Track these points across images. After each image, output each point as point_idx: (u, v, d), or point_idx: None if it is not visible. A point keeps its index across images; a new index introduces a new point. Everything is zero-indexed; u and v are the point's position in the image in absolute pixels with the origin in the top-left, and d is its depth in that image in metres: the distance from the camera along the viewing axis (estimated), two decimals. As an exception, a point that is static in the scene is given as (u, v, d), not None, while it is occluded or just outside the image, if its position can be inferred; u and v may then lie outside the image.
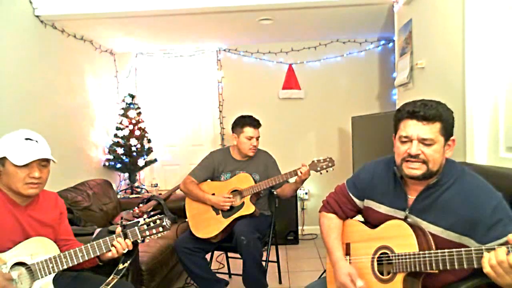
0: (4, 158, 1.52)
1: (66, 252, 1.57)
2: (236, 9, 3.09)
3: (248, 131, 2.69)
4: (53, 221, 1.70)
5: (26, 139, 1.56)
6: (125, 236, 1.64)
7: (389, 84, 4.13)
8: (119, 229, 1.66)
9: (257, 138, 2.73)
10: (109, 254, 1.64)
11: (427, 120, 1.31)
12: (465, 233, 1.28)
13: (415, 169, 1.33)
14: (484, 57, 1.88)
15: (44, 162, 1.59)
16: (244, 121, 2.72)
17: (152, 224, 1.67)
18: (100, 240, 1.62)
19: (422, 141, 1.31)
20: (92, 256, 1.61)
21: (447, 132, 1.34)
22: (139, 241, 1.69)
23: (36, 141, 1.59)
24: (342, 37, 4.28)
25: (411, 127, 1.33)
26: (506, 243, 1.10)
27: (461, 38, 2.00)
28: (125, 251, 1.65)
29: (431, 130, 1.30)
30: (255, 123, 2.72)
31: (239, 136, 2.71)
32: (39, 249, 1.55)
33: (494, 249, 1.10)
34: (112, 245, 1.63)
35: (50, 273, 1.54)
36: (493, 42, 1.85)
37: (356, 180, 1.63)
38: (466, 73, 1.95)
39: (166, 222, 1.69)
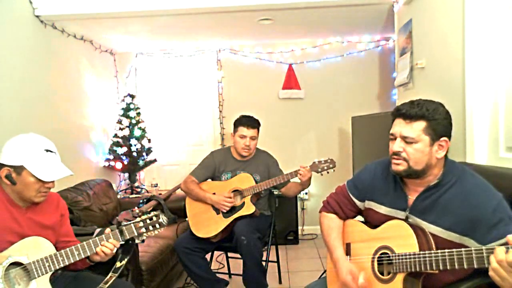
0: (22, 167, 1.51)
1: (62, 251, 1.57)
2: (236, 9, 3.09)
3: (241, 130, 2.69)
4: (54, 223, 1.70)
5: (46, 150, 1.57)
6: (121, 233, 1.63)
7: (389, 84, 4.14)
8: (108, 230, 1.64)
9: (252, 138, 2.70)
10: (97, 258, 1.62)
11: (409, 119, 1.34)
12: (466, 233, 1.28)
13: (398, 165, 1.37)
14: (484, 57, 1.88)
15: None
16: (240, 121, 2.74)
17: (148, 221, 1.66)
18: (96, 238, 1.61)
19: (403, 138, 1.35)
20: (89, 253, 1.60)
21: (436, 132, 1.33)
22: (138, 240, 1.68)
23: (54, 153, 1.60)
24: (342, 37, 4.28)
25: (396, 125, 1.39)
26: (505, 244, 1.10)
27: (461, 38, 2.00)
28: (114, 251, 1.63)
29: (412, 128, 1.34)
30: (249, 123, 2.71)
31: (235, 135, 2.73)
32: (35, 249, 1.54)
33: (494, 249, 1.09)
34: (102, 245, 1.60)
35: (46, 272, 1.53)
36: (493, 42, 1.85)
37: (357, 181, 1.63)
38: (466, 73, 1.95)
39: (163, 219, 1.67)
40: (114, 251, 1.62)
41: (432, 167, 1.36)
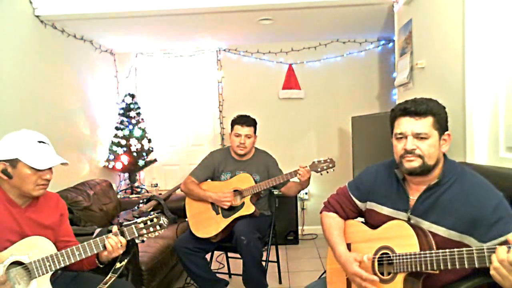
0: (16, 160, 1.52)
1: (63, 251, 1.57)
2: (236, 9, 3.09)
3: (236, 128, 2.71)
4: (53, 223, 1.69)
5: (39, 141, 1.58)
6: (122, 234, 1.63)
7: (389, 84, 4.13)
8: (115, 228, 1.66)
9: (248, 136, 2.70)
10: (105, 253, 1.63)
11: (419, 115, 1.35)
12: (466, 232, 1.29)
13: (413, 161, 1.36)
14: (484, 57, 1.88)
15: None
16: (234, 120, 2.76)
17: (149, 222, 1.66)
18: (97, 238, 1.61)
19: (416, 136, 1.35)
20: (89, 254, 1.60)
21: (441, 127, 1.37)
22: (138, 240, 1.68)
23: (48, 144, 1.61)
24: (342, 37, 4.28)
25: (405, 124, 1.38)
26: (506, 242, 1.11)
27: (461, 38, 2.00)
28: (120, 250, 1.63)
29: (424, 124, 1.35)
30: (243, 121, 2.72)
31: (231, 135, 2.75)
32: (36, 248, 1.54)
33: (495, 248, 1.10)
34: (108, 243, 1.61)
35: (47, 272, 1.53)
36: (493, 42, 1.85)
37: (358, 182, 1.64)
38: (466, 73, 1.95)
39: (163, 220, 1.68)
40: (119, 245, 1.61)
41: (439, 162, 1.38)
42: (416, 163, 1.35)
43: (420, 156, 1.34)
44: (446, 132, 1.39)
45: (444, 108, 1.40)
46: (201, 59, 4.47)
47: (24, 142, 1.55)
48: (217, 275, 2.72)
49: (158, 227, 1.67)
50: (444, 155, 1.41)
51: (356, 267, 1.40)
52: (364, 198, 1.60)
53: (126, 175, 4.28)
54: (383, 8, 3.23)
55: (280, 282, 3.15)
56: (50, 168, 1.60)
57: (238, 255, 2.54)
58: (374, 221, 1.54)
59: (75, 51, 3.62)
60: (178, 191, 3.57)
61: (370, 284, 1.36)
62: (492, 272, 1.10)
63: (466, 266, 1.16)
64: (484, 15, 1.87)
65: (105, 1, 3.02)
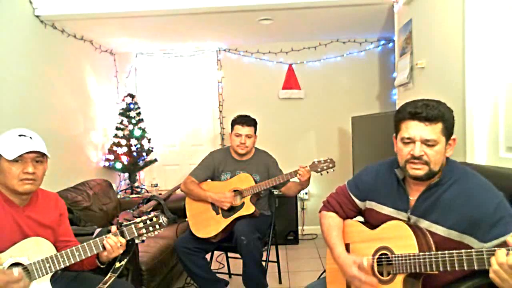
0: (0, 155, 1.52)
1: (63, 252, 1.57)
2: (236, 9, 3.09)
3: (237, 128, 2.71)
4: (52, 222, 1.69)
5: (20, 135, 1.56)
6: (122, 234, 1.63)
7: (389, 84, 4.13)
8: (114, 228, 1.66)
9: (248, 136, 2.71)
10: (105, 253, 1.62)
11: (429, 121, 1.30)
12: (467, 231, 1.28)
13: (419, 170, 1.33)
14: (484, 57, 1.88)
15: (39, 158, 1.59)
16: (235, 120, 2.77)
17: (148, 222, 1.66)
18: (97, 238, 1.61)
19: (425, 142, 1.31)
20: (89, 254, 1.60)
21: (448, 132, 1.34)
22: (138, 240, 1.68)
23: (30, 137, 1.58)
24: (342, 37, 4.28)
25: (414, 128, 1.33)
26: (506, 243, 1.11)
27: (461, 38, 2.00)
28: (120, 250, 1.63)
29: (434, 130, 1.30)
30: (244, 121, 2.72)
31: (231, 135, 2.75)
32: (35, 250, 1.54)
33: (494, 251, 1.09)
34: (107, 243, 1.61)
35: (47, 273, 1.53)
36: (493, 42, 1.85)
37: (358, 181, 1.63)
38: (466, 73, 1.95)
39: (163, 219, 1.67)
40: (119, 245, 1.61)
41: (442, 166, 1.36)
42: (422, 171, 1.33)
43: (426, 163, 1.32)
44: (452, 137, 1.36)
45: (452, 111, 1.36)
46: (201, 59, 4.47)
47: (5, 137, 1.55)
48: (217, 275, 2.72)
49: (157, 227, 1.67)
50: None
51: (355, 270, 1.39)
52: (364, 197, 1.59)
53: (126, 175, 4.28)
54: (383, 8, 3.23)
55: (280, 282, 3.15)
56: (35, 162, 1.57)
57: (238, 255, 2.54)
58: (373, 221, 1.54)
59: (75, 51, 3.62)
60: (178, 191, 3.57)
61: (369, 286, 1.36)
62: (491, 275, 1.09)
63: (465, 268, 1.16)
64: (484, 15, 1.87)
65: (105, 1, 3.02)
